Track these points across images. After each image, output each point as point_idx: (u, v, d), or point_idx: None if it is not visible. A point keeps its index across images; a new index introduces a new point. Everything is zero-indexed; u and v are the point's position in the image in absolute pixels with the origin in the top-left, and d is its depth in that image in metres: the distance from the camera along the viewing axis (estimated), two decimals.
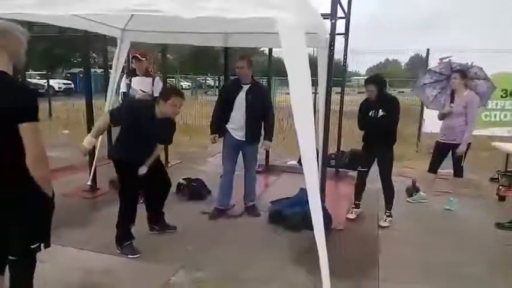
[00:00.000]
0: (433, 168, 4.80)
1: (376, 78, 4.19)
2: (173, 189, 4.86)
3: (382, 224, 4.18)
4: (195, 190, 4.96)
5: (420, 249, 3.68)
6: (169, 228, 3.86)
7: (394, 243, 3.80)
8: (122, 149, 3.42)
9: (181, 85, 13.23)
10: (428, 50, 8.05)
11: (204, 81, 29.94)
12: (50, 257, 2.60)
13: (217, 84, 20.62)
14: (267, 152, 6.19)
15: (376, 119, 4.04)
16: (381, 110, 4.02)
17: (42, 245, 2.13)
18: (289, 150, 7.28)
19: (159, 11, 1.99)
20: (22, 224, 2.04)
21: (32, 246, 2.08)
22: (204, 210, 4.43)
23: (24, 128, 1.84)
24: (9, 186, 1.97)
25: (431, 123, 6.26)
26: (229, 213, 4.39)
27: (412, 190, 5.13)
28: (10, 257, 2.12)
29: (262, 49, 22.55)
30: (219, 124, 4.26)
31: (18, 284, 2.15)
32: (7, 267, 2.16)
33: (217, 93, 13.24)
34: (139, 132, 3.31)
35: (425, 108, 7.99)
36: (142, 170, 3.41)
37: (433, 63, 7.28)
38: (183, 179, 5.09)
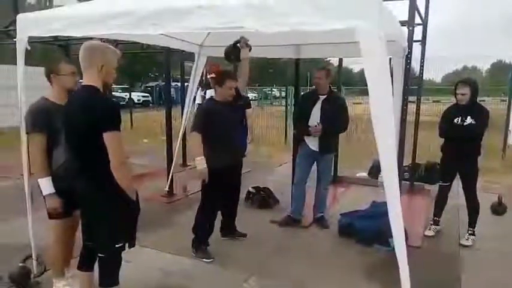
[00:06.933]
0: None
1: (471, 81, 3.82)
2: (243, 197, 5.02)
3: (464, 242, 3.88)
4: (263, 199, 5.05)
5: (506, 271, 3.37)
6: (240, 235, 3.97)
7: (477, 264, 3.52)
8: (216, 156, 3.37)
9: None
10: None
11: (270, 92, 30.30)
12: (133, 257, 2.82)
13: (283, 94, 20.76)
14: (336, 163, 6.09)
15: (462, 127, 3.73)
16: (469, 117, 3.70)
17: (126, 244, 2.31)
18: (358, 162, 7.09)
19: (241, 27, 2.10)
20: (107, 224, 2.23)
21: (117, 246, 2.26)
22: (273, 219, 4.48)
23: (108, 137, 2.03)
24: (95, 189, 2.18)
25: None
26: (298, 223, 4.39)
27: (499, 207, 4.70)
28: (99, 255, 2.34)
29: (328, 59, 22.36)
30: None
31: (106, 280, 2.35)
32: (96, 263, 2.38)
33: (283, 104, 13.41)
34: (219, 127, 3.39)
35: (511, 118, 7.35)
36: None
37: None
38: (252, 187, 5.21)
